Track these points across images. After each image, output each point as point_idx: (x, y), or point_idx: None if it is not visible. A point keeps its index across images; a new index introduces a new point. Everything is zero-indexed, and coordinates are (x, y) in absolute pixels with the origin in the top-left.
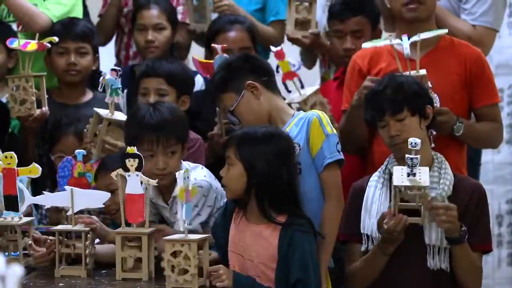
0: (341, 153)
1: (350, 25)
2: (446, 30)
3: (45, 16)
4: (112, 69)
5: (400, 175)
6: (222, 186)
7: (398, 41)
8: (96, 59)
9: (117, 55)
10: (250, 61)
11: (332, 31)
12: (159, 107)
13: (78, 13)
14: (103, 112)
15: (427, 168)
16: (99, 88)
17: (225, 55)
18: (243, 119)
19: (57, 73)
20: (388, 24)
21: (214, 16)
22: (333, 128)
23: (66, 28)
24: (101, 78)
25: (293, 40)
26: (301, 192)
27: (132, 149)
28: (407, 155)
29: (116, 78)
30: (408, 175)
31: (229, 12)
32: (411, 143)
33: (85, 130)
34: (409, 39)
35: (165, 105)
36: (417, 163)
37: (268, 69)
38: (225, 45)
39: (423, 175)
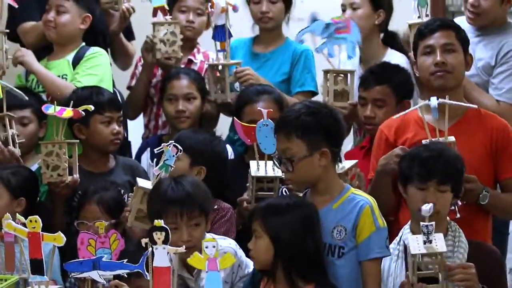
0: (389, 248)
1: (373, 94)
2: (475, 106)
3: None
4: (174, 145)
5: (416, 244)
6: (250, 257)
7: (425, 102)
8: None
9: (147, 125)
10: (335, 128)
11: (358, 98)
12: (181, 181)
13: (108, 81)
14: (142, 182)
15: (441, 234)
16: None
17: (270, 120)
18: (296, 173)
19: (100, 143)
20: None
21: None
22: (384, 221)
23: (109, 97)
24: (163, 145)
25: None
26: (340, 275)
27: (159, 222)
28: (422, 223)
29: (174, 156)
30: (424, 242)
31: (253, 81)
32: (423, 211)
33: (128, 199)
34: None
35: (186, 178)
36: (432, 230)
37: (342, 142)
38: (271, 109)
39: (438, 242)
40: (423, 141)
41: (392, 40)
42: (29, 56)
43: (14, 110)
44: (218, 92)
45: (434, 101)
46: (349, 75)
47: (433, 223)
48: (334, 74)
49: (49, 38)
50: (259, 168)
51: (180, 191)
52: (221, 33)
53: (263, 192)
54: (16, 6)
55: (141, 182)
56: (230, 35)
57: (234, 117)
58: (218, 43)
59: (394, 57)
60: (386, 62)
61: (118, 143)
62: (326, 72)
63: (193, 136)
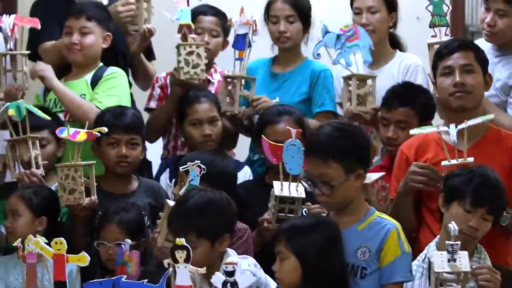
0: (412, 273)
1: (396, 115)
2: (492, 116)
3: (98, 110)
4: (198, 166)
5: (440, 261)
6: (275, 280)
7: (445, 128)
8: (144, 149)
9: (166, 146)
10: (368, 148)
11: (380, 118)
12: (189, 200)
13: (127, 101)
14: (172, 202)
15: (466, 252)
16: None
17: (298, 140)
18: (334, 195)
19: (107, 164)
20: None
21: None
22: (409, 246)
23: (117, 118)
24: (188, 164)
25: (355, 116)
26: None
27: (180, 241)
28: (447, 242)
29: (198, 176)
30: (449, 261)
31: None
32: (452, 229)
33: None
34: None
35: (194, 199)
36: (457, 250)
37: (370, 162)
38: (300, 129)
39: (463, 260)
40: (442, 163)
41: (397, 42)
42: (49, 71)
43: (32, 132)
44: (228, 105)
45: (453, 130)
46: (371, 80)
47: (459, 242)
48: (357, 81)
49: (72, 61)
50: (282, 189)
51: (180, 212)
52: (241, 42)
53: (284, 214)
54: (39, 28)
55: (171, 202)
56: (250, 45)
57: (262, 136)
58: (237, 52)
59: (407, 57)
60: (409, 82)
61: (125, 166)
62: (347, 78)
63: (198, 157)
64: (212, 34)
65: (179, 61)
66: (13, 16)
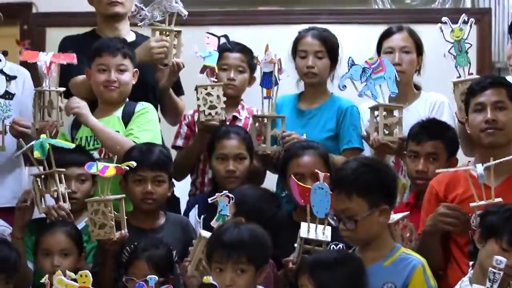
0: None
1: (426, 148)
2: None
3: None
4: (226, 195)
5: None
6: None
7: (472, 166)
8: (171, 185)
9: (193, 182)
10: (393, 184)
11: (408, 151)
12: (241, 226)
13: (159, 137)
14: (205, 233)
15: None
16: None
17: (325, 184)
18: (358, 231)
19: (133, 201)
20: (467, 149)
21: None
22: (435, 281)
23: (143, 155)
24: (217, 195)
25: (382, 146)
26: None
27: (208, 279)
28: (491, 269)
29: (227, 205)
30: None
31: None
32: (497, 260)
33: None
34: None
35: (249, 225)
36: (498, 280)
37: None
38: (328, 173)
39: None
40: (471, 204)
41: (416, 85)
42: (84, 108)
43: (72, 168)
44: (260, 144)
45: (480, 169)
46: (398, 110)
47: (502, 272)
48: (384, 113)
49: (108, 98)
50: (309, 230)
51: (234, 235)
52: (268, 80)
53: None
54: (76, 62)
55: (204, 232)
56: (277, 83)
57: (292, 176)
58: (264, 90)
59: (432, 95)
60: (435, 118)
61: (150, 203)
62: (374, 108)
63: (249, 192)
64: (238, 70)
65: (198, 105)
66: (50, 53)
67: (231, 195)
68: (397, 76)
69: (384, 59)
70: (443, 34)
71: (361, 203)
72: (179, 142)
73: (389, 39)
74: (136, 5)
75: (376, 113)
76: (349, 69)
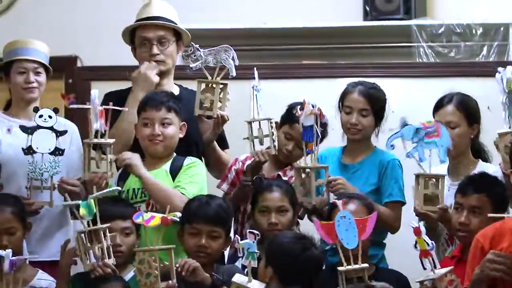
0: None
1: (470, 200)
2: None
3: (184, 197)
4: (251, 232)
5: None
6: None
7: None
8: (228, 240)
9: (235, 233)
10: None
11: (454, 203)
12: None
13: (205, 192)
14: (236, 277)
15: None
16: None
17: (347, 211)
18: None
19: (188, 253)
20: None
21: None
22: None
23: (200, 208)
24: (236, 242)
25: (422, 215)
26: None
27: None
28: None
29: (253, 242)
30: None
31: (344, 191)
32: None
33: None
34: None
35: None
36: None
37: None
38: (344, 199)
39: None
40: None
41: (479, 150)
42: (137, 160)
43: (117, 221)
44: (305, 196)
45: None
46: (440, 179)
47: None
48: (426, 178)
49: (152, 152)
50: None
51: None
52: (309, 134)
53: None
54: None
55: (236, 277)
56: (318, 136)
57: (314, 218)
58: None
59: (487, 168)
60: (485, 173)
61: (203, 257)
62: (417, 176)
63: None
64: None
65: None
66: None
67: (255, 232)
68: (450, 146)
69: (442, 126)
70: (503, 84)
71: None
72: (224, 187)
73: (438, 112)
74: (192, 44)
75: (419, 180)
76: (400, 129)
